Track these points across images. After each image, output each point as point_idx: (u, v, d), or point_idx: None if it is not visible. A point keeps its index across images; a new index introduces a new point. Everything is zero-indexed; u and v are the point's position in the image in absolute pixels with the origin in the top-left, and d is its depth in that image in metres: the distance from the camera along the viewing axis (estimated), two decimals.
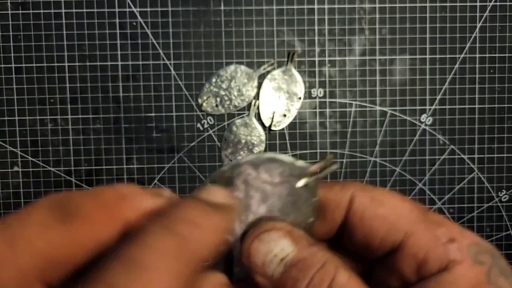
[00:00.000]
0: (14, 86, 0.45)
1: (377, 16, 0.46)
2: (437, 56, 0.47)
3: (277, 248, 0.16)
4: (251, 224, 0.18)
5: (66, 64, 0.45)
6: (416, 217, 0.16)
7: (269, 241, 0.16)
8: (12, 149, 0.46)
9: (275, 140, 0.47)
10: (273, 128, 0.47)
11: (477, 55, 0.47)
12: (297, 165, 0.17)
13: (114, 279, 0.11)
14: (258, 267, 0.16)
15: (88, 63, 0.45)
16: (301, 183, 0.17)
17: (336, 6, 0.46)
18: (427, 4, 0.47)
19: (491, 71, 0.47)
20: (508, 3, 0.47)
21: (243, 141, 0.47)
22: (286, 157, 0.18)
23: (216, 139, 0.47)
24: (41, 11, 0.45)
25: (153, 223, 0.13)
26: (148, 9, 0.45)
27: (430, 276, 0.16)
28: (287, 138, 0.47)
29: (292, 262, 0.16)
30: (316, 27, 0.46)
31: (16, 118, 0.46)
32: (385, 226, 0.16)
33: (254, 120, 0.47)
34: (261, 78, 0.46)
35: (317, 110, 0.47)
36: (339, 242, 0.18)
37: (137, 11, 0.45)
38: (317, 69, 0.47)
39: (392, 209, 0.16)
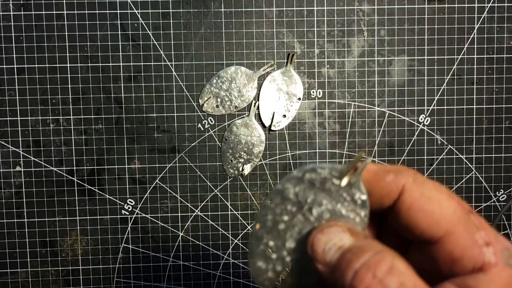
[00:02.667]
0: (16, 87, 0.46)
1: (376, 17, 0.47)
2: (435, 57, 0.47)
3: (336, 238, 0.18)
4: (313, 228, 0.19)
5: (68, 65, 0.46)
6: (459, 218, 0.18)
7: (329, 233, 0.18)
8: (14, 149, 0.46)
9: (275, 140, 0.47)
10: (273, 128, 0.47)
11: (475, 56, 0.47)
12: (337, 168, 0.19)
13: None
14: (319, 254, 0.18)
15: (90, 64, 0.46)
16: (344, 182, 0.19)
17: (335, 8, 0.46)
18: (425, 6, 0.47)
19: (489, 71, 0.48)
20: (506, 4, 0.47)
21: (243, 141, 0.47)
22: (323, 164, 0.19)
23: (216, 139, 0.47)
24: (43, 12, 0.45)
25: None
26: (150, 11, 0.45)
27: (463, 273, 0.17)
28: (286, 138, 0.48)
29: (348, 248, 0.17)
30: (315, 29, 0.46)
31: (18, 118, 0.46)
32: (429, 221, 0.18)
33: (254, 121, 0.47)
34: (261, 79, 0.47)
35: (316, 110, 0.47)
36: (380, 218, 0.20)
37: (138, 12, 0.45)
38: (316, 70, 0.47)
39: (438, 207, 0.18)
